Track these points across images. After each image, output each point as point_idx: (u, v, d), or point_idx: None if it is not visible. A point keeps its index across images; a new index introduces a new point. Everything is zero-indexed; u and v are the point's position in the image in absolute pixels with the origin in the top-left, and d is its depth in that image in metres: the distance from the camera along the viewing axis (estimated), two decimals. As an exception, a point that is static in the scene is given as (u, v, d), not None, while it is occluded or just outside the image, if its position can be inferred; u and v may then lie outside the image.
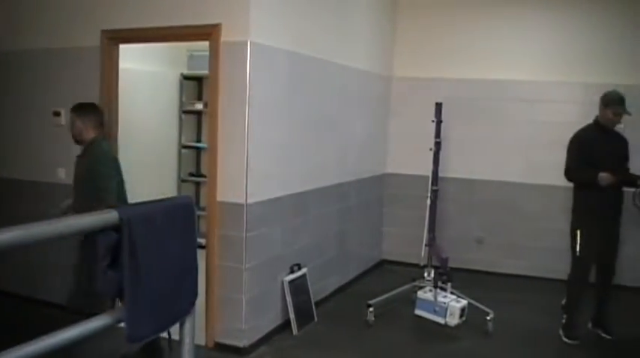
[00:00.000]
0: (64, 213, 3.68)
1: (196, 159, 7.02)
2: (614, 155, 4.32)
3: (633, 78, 5.53)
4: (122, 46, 4.42)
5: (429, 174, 5.05)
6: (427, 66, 6.33)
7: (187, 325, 1.89)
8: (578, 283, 4.39)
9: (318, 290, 4.86)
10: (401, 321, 4.73)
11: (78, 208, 3.58)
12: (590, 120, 4.42)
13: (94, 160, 3.65)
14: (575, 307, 4.41)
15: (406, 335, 4.54)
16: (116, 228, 1.57)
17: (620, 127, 4.46)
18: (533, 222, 6.02)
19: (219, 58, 3.87)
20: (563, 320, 4.45)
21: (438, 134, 5.03)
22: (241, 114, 3.83)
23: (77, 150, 3.79)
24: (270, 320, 4.27)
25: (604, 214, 4.29)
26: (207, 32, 3.89)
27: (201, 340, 3.93)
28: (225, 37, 3.85)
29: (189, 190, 6.81)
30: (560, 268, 4.64)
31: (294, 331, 4.34)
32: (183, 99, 6.63)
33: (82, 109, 3.78)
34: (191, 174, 6.88)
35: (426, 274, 4.90)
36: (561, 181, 4.48)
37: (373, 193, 6.27)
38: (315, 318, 4.63)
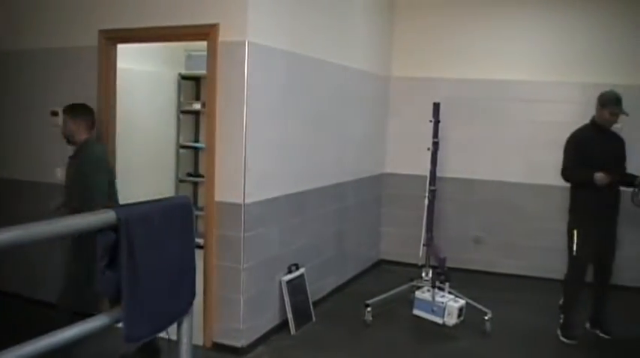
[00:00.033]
0: (53, 212, 3.68)
1: (194, 159, 7.03)
2: (611, 155, 4.33)
3: (632, 78, 5.54)
4: (120, 46, 4.42)
5: (427, 174, 5.06)
6: (425, 66, 6.34)
7: (185, 325, 1.89)
8: (575, 283, 4.40)
9: (315, 290, 4.86)
10: (399, 321, 4.74)
11: (70, 208, 3.59)
12: (588, 121, 4.43)
13: (84, 161, 3.66)
14: (573, 307, 4.42)
15: (404, 335, 4.54)
16: (114, 227, 1.57)
17: (617, 127, 4.47)
18: (531, 222, 6.03)
19: (216, 58, 3.87)
20: (561, 320, 4.46)
21: (435, 134, 5.04)
22: (239, 114, 3.83)
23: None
24: (268, 320, 4.27)
25: (601, 214, 4.30)
26: (205, 32, 3.89)
27: (198, 340, 3.92)
28: (222, 37, 3.85)
29: (187, 190, 6.81)
30: (558, 268, 4.65)
31: (292, 331, 4.34)
32: (181, 99, 6.63)
33: (74, 110, 3.78)
34: (189, 174, 6.88)
35: (423, 274, 4.90)
36: (559, 181, 4.48)
37: (371, 193, 6.27)
38: (313, 318, 4.64)
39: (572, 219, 4.42)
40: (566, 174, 4.37)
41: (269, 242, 4.22)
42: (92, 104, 4.26)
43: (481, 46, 6.13)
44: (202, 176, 5.56)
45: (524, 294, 5.51)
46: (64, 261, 3.81)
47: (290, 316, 4.35)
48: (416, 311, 4.60)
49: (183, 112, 6.69)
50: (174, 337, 1.92)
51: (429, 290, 4.59)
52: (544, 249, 5.81)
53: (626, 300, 5.16)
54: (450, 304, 4.37)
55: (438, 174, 5.17)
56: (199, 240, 3.80)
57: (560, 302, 4.55)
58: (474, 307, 4.57)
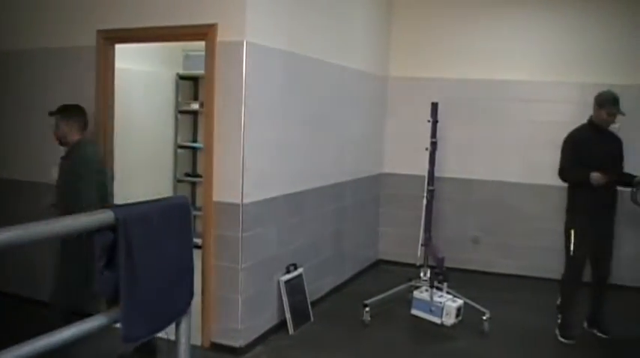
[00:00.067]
0: (46, 210, 3.67)
1: (192, 159, 7.02)
2: (609, 155, 4.33)
3: (631, 78, 5.56)
4: (118, 46, 4.42)
5: (426, 174, 5.06)
6: (423, 66, 6.34)
7: (183, 325, 1.89)
8: (572, 283, 4.40)
9: (314, 290, 4.86)
10: (397, 321, 4.74)
11: (61, 208, 3.59)
12: (586, 121, 4.43)
13: (75, 162, 3.66)
14: (570, 307, 4.42)
15: (402, 335, 4.54)
16: (112, 227, 1.57)
17: (614, 127, 4.48)
18: (529, 222, 6.03)
19: (215, 58, 3.87)
20: (559, 320, 4.46)
21: (434, 134, 5.04)
22: (237, 114, 3.83)
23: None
24: (266, 320, 4.27)
25: (598, 214, 4.31)
26: (203, 32, 3.89)
27: (197, 340, 3.92)
28: (221, 37, 3.85)
29: (185, 190, 6.81)
30: (556, 268, 4.66)
31: (290, 331, 4.34)
32: (179, 99, 6.63)
33: (66, 111, 3.78)
34: (187, 174, 6.88)
35: (422, 274, 4.91)
36: (558, 181, 4.48)
37: (369, 193, 6.27)
38: (311, 318, 4.63)
39: (569, 218, 4.42)
40: (563, 174, 4.38)
41: (267, 242, 4.22)
42: (90, 104, 4.26)
43: (479, 46, 6.13)
44: (200, 176, 5.56)
45: (523, 294, 5.52)
46: (53, 264, 3.81)
47: (288, 316, 4.35)
48: (414, 311, 4.60)
49: (181, 112, 6.68)
50: (173, 337, 1.92)
51: (427, 290, 4.59)
52: (542, 249, 5.82)
53: (625, 300, 5.16)
54: (448, 304, 4.38)
55: (437, 174, 5.18)
56: (197, 240, 3.80)
57: (558, 302, 4.55)
58: (472, 307, 4.57)
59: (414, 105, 5.98)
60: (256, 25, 3.89)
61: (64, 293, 3.66)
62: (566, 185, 4.47)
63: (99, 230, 1.55)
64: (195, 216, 5.12)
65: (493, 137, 6.16)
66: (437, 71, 6.24)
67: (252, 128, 3.90)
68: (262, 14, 3.97)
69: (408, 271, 5.27)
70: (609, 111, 4.25)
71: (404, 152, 6.35)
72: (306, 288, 4.63)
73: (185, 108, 6.68)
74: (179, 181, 6.75)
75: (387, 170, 6.56)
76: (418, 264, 5.00)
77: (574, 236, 4.32)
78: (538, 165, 5.85)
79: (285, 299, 4.34)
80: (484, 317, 4.45)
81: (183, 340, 1.89)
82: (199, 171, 6.67)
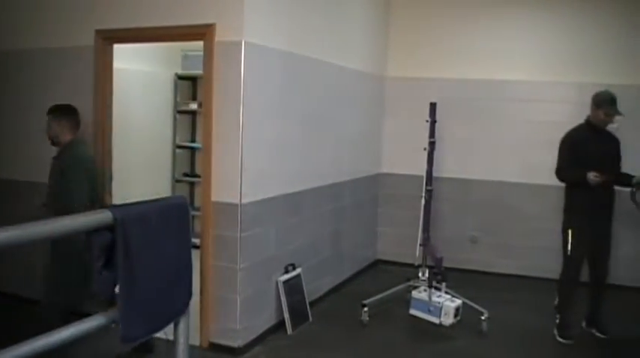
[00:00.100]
0: (38, 209, 3.67)
1: (191, 159, 7.02)
2: (606, 155, 4.33)
3: (629, 78, 5.56)
4: (116, 46, 4.41)
5: (424, 174, 5.06)
6: (421, 66, 6.34)
7: (182, 325, 1.89)
8: (569, 283, 4.41)
9: (312, 290, 4.86)
10: (395, 321, 4.74)
11: (52, 208, 3.59)
12: (583, 120, 4.44)
13: (66, 162, 3.65)
14: (568, 307, 4.43)
15: (401, 335, 4.55)
16: (110, 227, 1.56)
17: (612, 127, 4.47)
18: (527, 222, 6.04)
19: (213, 58, 3.87)
20: (557, 320, 4.47)
21: (432, 134, 5.05)
22: (235, 114, 3.83)
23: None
24: (265, 320, 4.27)
25: (595, 214, 4.31)
26: (202, 32, 3.89)
27: (195, 340, 3.92)
28: (219, 37, 3.85)
29: (183, 190, 6.81)
30: (555, 268, 4.65)
31: (289, 331, 4.34)
32: (178, 99, 6.63)
33: (58, 111, 3.78)
34: (185, 174, 6.88)
35: (420, 274, 4.91)
36: (556, 181, 4.49)
37: (368, 193, 6.27)
38: (310, 318, 4.63)
39: (566, 218, 4.43)
40: (560, 173, 4.38)
41: (266, 242, 4.22)
42: (89, 104, 4.26)
43: (477, 46, 6.14)
44: (199, 176, 5.56)
45: (521, 294, 5.52)
46: (43, 264, 3.81)
47: (287, 316, 4.35)
48: (412, 311, 4.60)
49: (180, 112, 6.68)
50: (171, 337, 1.92)
51: (425, 290, 4.59)
52: (541, 249, 5.82)
53: (623, 300, 5.16)
54: (447, 304, 4.37)
55: (435, 174, 5.19)
56: (196, 240, 3.79)
57: (555, 302, 4.56)
58: (471, 307, 4.57)
59: (413, 105, 5.98)
60: (254, 25, 3.89)
61: (55, 293, 3.65)
62: (563, 185, 4.48)
63: (97, 230, 1.55)
64: (193, 216, 5.12)
65: (491, 137, 6.17)
66: (435, 71, 6.24)
67: (250, 128, 3.90)
68: (260, 14, 3.97)
69: (407, 271, 5.27)
70: (607, 111, 4.25)
71: (402, 152, 6.35)
72: (304, 288, 4.63)
73: (183, 108, 6.68)
74: (177, 181, 6.75)
75: (385, 170, 6.56)
76: (417, 263, 5.00)
77: (571, 236, 4.32)
78: (536, 165, 5.85)
79: (283, 299, 4.34)
80: (482, 317, 4.46)
81: (181, 340, 1.89)
82: (198, 171, 6.67)
